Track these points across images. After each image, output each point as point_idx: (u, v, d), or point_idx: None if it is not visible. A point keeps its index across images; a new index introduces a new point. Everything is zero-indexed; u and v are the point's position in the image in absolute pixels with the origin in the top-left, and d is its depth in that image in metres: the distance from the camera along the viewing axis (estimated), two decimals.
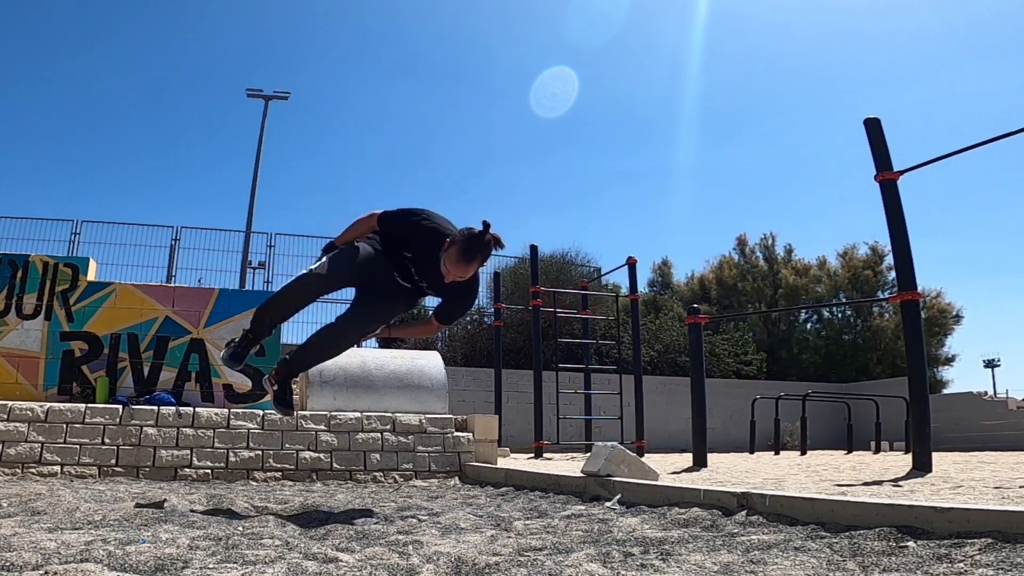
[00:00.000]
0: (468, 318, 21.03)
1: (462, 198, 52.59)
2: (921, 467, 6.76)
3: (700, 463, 8.46)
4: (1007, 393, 33.76)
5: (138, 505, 4.40)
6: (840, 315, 26.00)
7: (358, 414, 8.07)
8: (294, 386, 4.89)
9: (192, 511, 4.31)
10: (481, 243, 4.36)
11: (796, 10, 50.04)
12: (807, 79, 50.03)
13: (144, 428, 7.39)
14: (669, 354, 19.91)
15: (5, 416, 7.14)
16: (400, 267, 4.70)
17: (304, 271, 4.64)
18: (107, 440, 7.28)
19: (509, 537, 3.50)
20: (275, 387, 5.00)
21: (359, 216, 4.76)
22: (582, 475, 5.77)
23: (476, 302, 5.14)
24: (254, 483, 7.18)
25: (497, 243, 4.45)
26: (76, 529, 3.51)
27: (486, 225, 4.38)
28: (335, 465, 7.73)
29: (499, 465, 8.09)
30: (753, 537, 3.29)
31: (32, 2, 42.30)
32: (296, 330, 20.61)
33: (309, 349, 4.91)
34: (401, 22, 53.77)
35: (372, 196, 49.59)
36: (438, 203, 48.45)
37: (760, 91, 50.44)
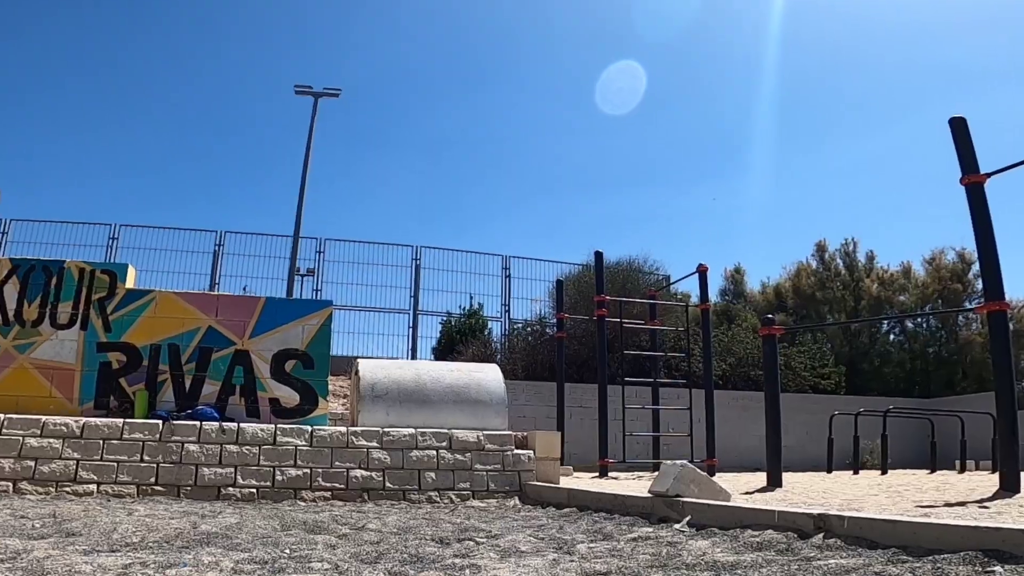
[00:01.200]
0: (530, 329, 20.96)
1: (523, 201, 52.56)
2: (1009, 487, 6.64)
3: (775, 483, 8.36)
4: None
5: (179, 526, 4.33)
6: (925, 326, 25.58)
7: (412, 430, 8.02)
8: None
9: (236, 532, 4.27)
10: None
11: (879, 1, 49.30)
12: (891, 75, 49.21)
13: (185, 445, 7.37)
14: (742, 367, 19.64)
15: (39, 432, 7.15)
16: None
17: None
18: (146, 457, 7.26)
19: (572, 561, 3.47)
20: None
21: None
22: (649, 495, 5.72)
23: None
24: (302, 503, 7.15)
25: None
26: (113, 552, 3.48)
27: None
28: (388, 484, 7.68)
29: (561, 484, 7.99)
30: (831, 561, 3.24)
31: None
32: (362, 343, 20.66)
33: None
34: (455, 12, 53.93)
35: (425, 201, 49.80)
36: (498, 211, 48.57)
37: (842, 88, 49.64)
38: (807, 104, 49.58)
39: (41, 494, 6.81)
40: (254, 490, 7.33)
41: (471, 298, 22.47)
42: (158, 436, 7.36)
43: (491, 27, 51.94)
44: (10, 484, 6.86)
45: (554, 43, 52.02)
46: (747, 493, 7.65)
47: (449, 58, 52.52)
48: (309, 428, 7.76)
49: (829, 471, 13.35)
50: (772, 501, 6.61)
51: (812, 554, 3.50)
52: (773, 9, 43.24)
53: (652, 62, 48.91)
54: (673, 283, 18.91)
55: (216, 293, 9.82)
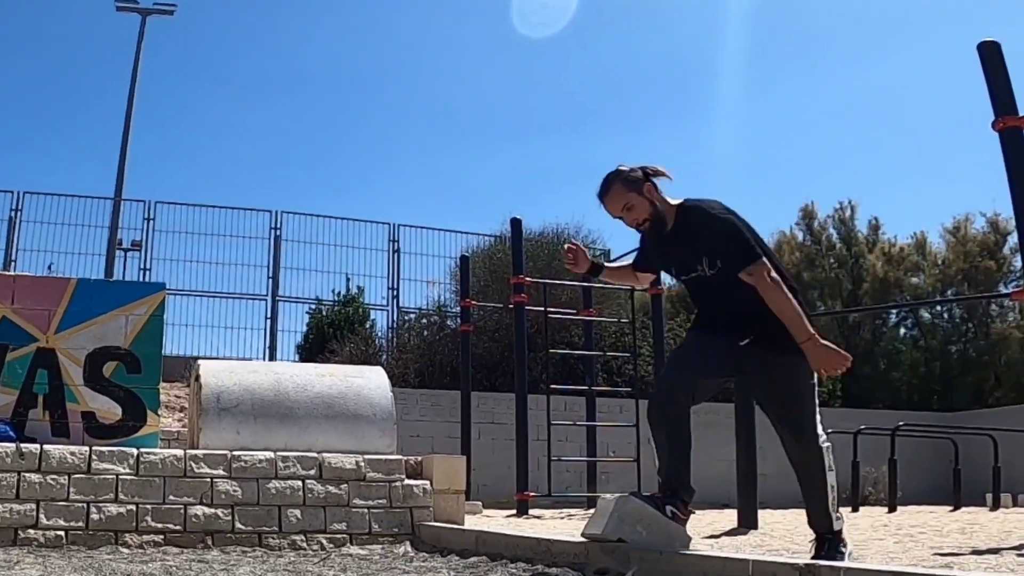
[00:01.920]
0: (425, 320, 21.10)
1: (413, 153, 52.29)
2: None
3: (748, 523, 8.64)
4: None
5: None
6: (946, 317, 26.01)
7: (271, 454, 8.10)
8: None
9: None
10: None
11: None
12: None
13: None
14: None
15: None
16: None
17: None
18: None
19: None
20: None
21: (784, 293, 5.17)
22: (583, 540, 5.74)
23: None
24: (125, 550, 7.18)
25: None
26: None
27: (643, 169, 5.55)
28: (239, 525, 7.74)
29: (467, 526, 8.13)
30: None
31: None
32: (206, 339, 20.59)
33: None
34: None
35: (288, 154, 49.25)
36: (383, 167, 48.32)
37: (832, 8, 49.91)
38: (788, 24, 49.92)
39: None
40: (62, 532, 7.32)
41: (348, 280, 22.50)
42: None
43: None
44: None
45: None
46: (712, 537, 7.90)
47: None
48: (135, 451, 7.79)
49: None
50: (745, 547, 6.88)
51: None
52: None
53: None
54: (615, 260, 19.12)
55: (12, 274, 9.80)
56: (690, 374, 5.41)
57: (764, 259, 5.12)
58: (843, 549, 5.26)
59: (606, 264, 6.18)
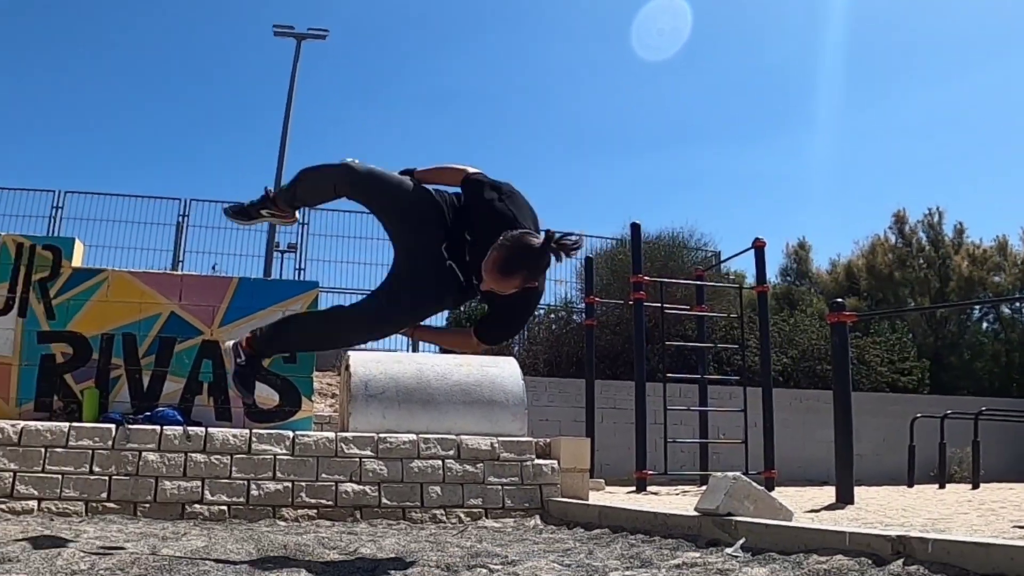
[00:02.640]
0: (553, 316, 20.90)
1: (547, 163, 52.35)
2: None
3: (845, 499, 8.37)
4: None
5: (136, 551, 4.31)
6: None
7: (413, 436, 7.97)
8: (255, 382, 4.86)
9: (204, 559, 4.24)
10: (530, 255, 4.24)
11: None
12: (982, 12, 48.60)
13: (143, 453, 7.31)
14: (806, 361, 19.58)
15: None
16: (458, 252, 4.61)
17: None
18: (97, 468, 7.20)
19: None
20: (241, 360, 4.93)
21: (451, 164, 4.77)
22: (696, 514, 5.65)
23: (530, 316, 5.06)
24: (282, 523, 7.11)
25: (561, 252, 4.29)
26: None
27: (549, 236, 4.24)
28: (384, 500, 7.63)
29: (591, 501, 7.94)
30: None
31: None
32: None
33: (303, 335, 4.96)
34: None
35: (419, 142, 49.48)
36: (517, 172, 48.40)
37: (923, 28, 49.08)
38: (880, 46, 49.30)
39: None
40: (225, 507, 7.28)
41: None
42: (111, 443, 7.28)
43: None
44: None
45: None
46: (812, 511, 7.66)
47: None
48: (291, 434, 7.72)
49: (910, 485, 13.31)
50: (842, 521, 6.63)
51: None
52: None
53: None
54: (724, 261, 18.81)
55: (180, 273, 9.84)
56: None
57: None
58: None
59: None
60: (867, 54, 49.10)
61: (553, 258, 4.26)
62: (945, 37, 47.96)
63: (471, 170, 4.66)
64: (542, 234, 4.26)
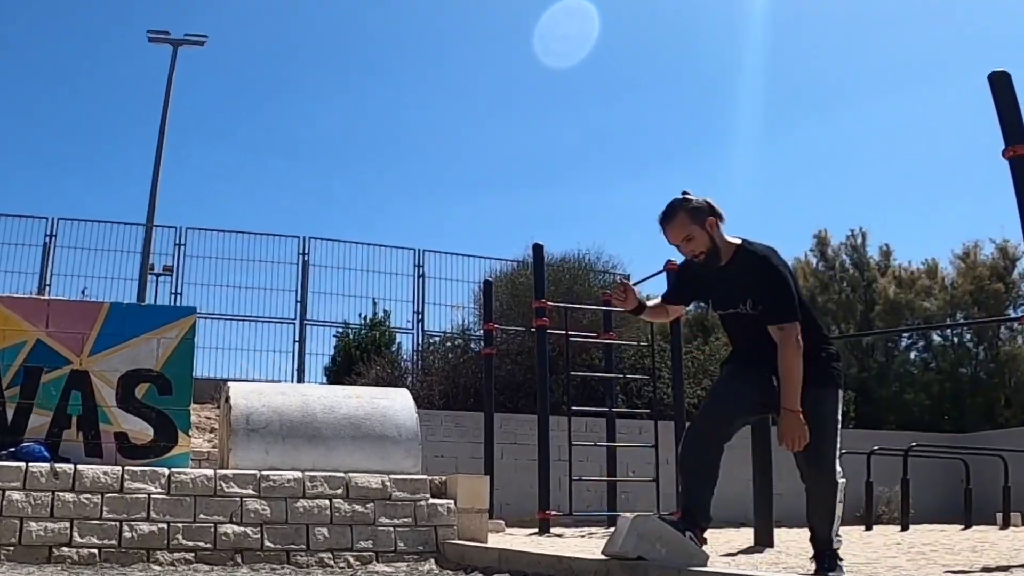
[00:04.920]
0: (450, 344, 21.05)
1: (441, 180, 52.37)
2: None
3: (764, 541, 8.55)
4: None
5: None
6: (956, 340, 25.91)
7: (299, 474, 8.09)
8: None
9: None
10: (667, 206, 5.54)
11: None
12: (912, 31, 49.71)
13: (7, 492, 7.32)
14: None
15: None
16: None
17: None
18: None
19: None
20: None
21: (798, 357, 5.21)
22: (603, 558, 5.71)
23: None
24: (157, 567, 7.19)
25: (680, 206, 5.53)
26: None
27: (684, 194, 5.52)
28: (267, 543, 7.73)
29: (490, 544, 8.12)
30: None
31: None
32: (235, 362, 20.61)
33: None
34: None
35: (316, 185, 49.26)
36: (409, 190, 48.42)
37: (847, 46, 50.06)
38: (802, 68, 50.03)
39: None
40: (96, 550, 7.33)
41: (375, 304, 22.52)
42: None
43: None
44: None
45: None
46: (729, 555, 7.83)
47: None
48: (166, 471, 7.79)
49: None
50: (761, 565, 6.84)
51: None
52: None
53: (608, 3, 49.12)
54: (635, 284, 19.01)
55: (46, 297, 9.84)
56: (732, 406, 5.42)
57: (796, 323, 5.17)
58: (840, 564, 5.30)
59: (648, 303, 6.07)
60: (788, 75, 49.83)
61: None
62: (868, 63, 48.92)
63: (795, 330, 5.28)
64: None
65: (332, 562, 7.74)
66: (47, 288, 19.59)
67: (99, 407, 8.54)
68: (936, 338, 26.00)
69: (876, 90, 51.05)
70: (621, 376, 16.22)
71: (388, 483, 8.24)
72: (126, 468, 7.75)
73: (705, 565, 5.37)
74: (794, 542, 9.16)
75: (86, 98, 46.55)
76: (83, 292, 19.67)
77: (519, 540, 9.44)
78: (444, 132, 52.87)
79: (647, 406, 16.50)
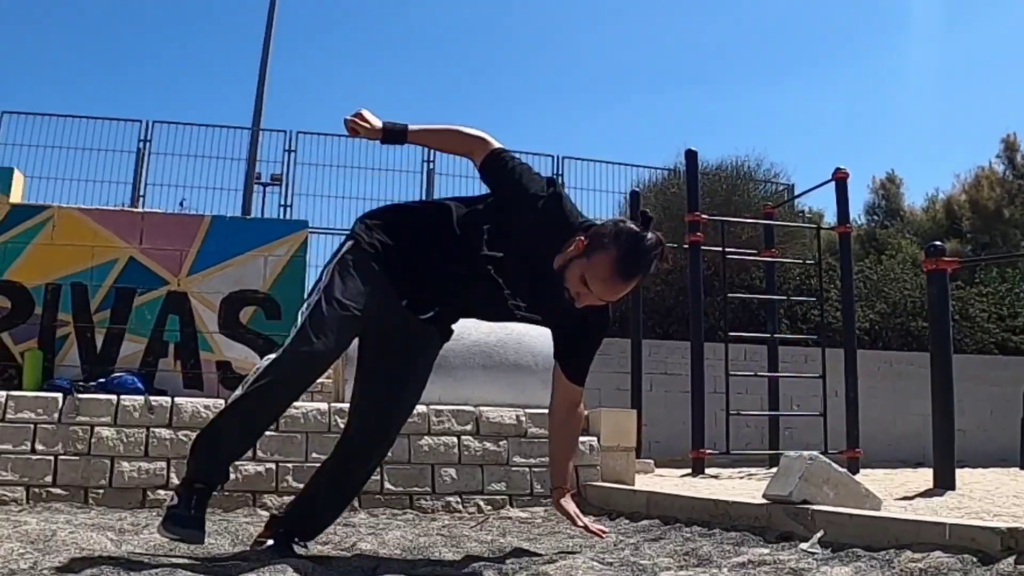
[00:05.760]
0: None
1: (582, 81, 52.05)
2: None
3: (944, 484, 8.25)
4: None
5: (87, 546, 4.27)
6: None
7: (423, 408, 7.82)
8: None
9: (168, 556, 4.21)
10: (646, 252, 4.02)
11: None
12: None
13: (96, 429, 7.23)
14: (897, 317, 19.49)
15: None
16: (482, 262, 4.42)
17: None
18: (40, 447, 7.13)
19: None
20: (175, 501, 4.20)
21: (466, 128, 4.37)
22: (765, 502, 5.60)
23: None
24: (263, 512, 6.95)
25: (664, 257, 4.11)
26: None
27: (647, 219, 4.07)
28: (388, 485, 7.55)
29: (638, 486, 7.89)
30: None
31: None
32: None
33: (248, 419, 4.23)
34: None
35: (435, 79, 49.26)
36: (522, 93, 48.14)
37: None
38: None
39: None
40: None
41: None
42: (57, 416, 7.21)
43: None
44: None
45: None
46: (905, 498, 7.59)
47: None
48: None
49: (1023, 467, 13.18)
50: (942, 510, 6.58)
51: None
52: None
53: None
54: (799, 196, 18.60)
55: (141, 210, 9.81)
56: None
57: None
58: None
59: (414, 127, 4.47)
60: None
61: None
62: None
63: (495, 145, 4.33)
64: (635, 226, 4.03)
65: (460, 507, 7.58)
66: (141, 199, 19.67)
67: (199, 333, 8.53)
68: None
69: None
70: (784, 298, 15.95)
71: (523, 418, 8.06)
72: None
73: (879, 510, 5.36)
74: (978, 484, 9.11)
75: None
76: (181, 204, 19.79)
77: (670, 482, 9.33)
78: (582, 29, 52.70)
79: (814, 331, 16.26)
